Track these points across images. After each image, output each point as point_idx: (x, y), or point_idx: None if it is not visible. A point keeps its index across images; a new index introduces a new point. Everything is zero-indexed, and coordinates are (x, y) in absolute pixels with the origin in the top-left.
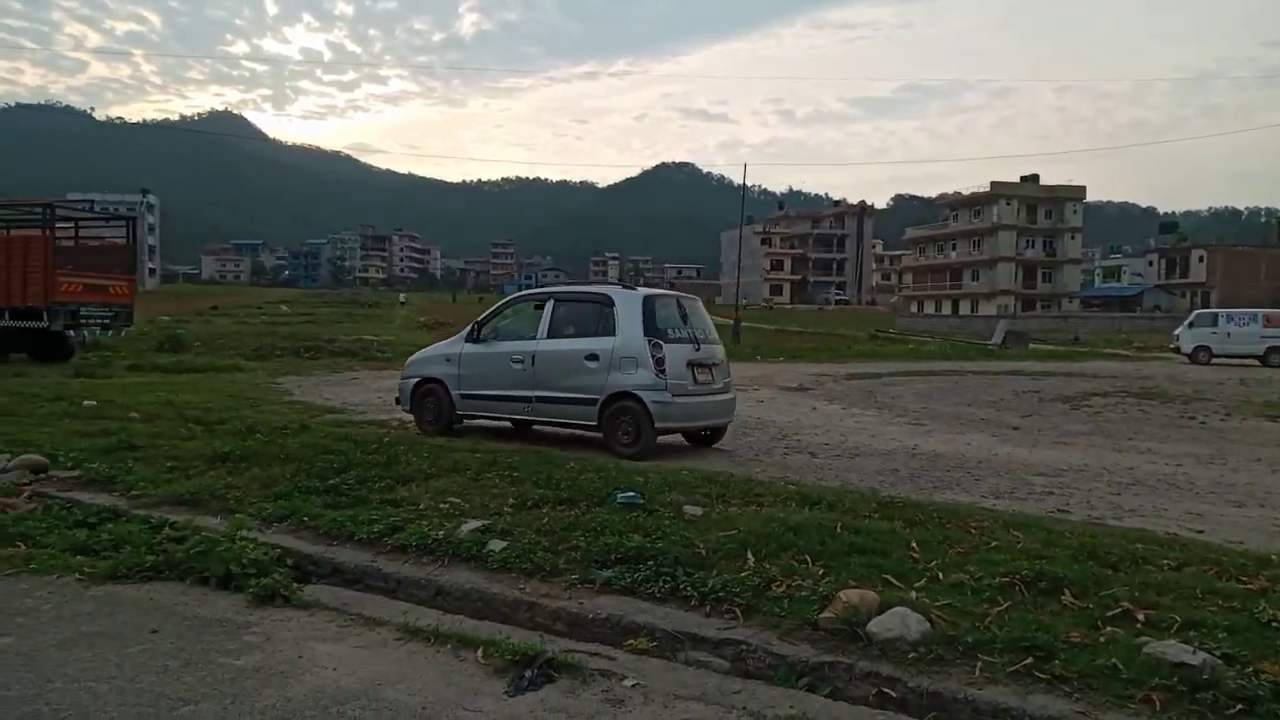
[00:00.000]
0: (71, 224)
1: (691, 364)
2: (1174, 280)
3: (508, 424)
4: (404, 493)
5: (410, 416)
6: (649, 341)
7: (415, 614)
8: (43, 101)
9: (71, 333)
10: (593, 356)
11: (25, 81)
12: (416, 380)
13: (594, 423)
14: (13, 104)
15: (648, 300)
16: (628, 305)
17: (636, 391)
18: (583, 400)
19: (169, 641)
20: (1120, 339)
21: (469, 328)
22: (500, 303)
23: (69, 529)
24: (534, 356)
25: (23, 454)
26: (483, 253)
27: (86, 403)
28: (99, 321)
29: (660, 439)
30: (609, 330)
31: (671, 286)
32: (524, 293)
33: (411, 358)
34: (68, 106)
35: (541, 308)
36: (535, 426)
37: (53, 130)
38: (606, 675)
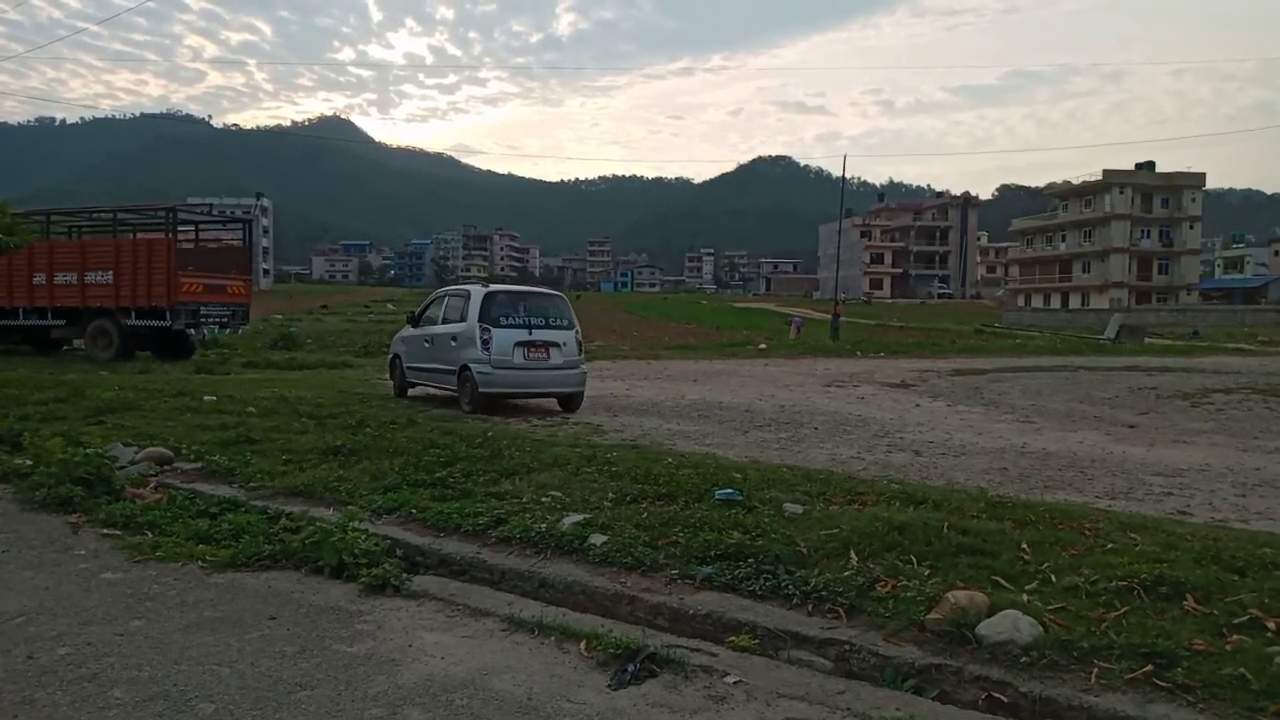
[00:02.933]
0: (192, 227)
1: (521, 344)
2: None
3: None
4: (507, 486)
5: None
6: (480, 326)
7: (519, 605)
8: (165, 110)
9: (192, 331)
10: (454, 338)
11: (149, 92)
12: (391, 355)
13: (455, 388)
14: (138, 114)
15: (488, 295)
16: (475, 298)
17: (469, 364)
18: (449, 371)
19: (286, 628)
20: (1243, 332)
21: (409, 316)
22: (428, 298)
23: (192, 518)
24: (432, 338)
25: (149, 446)
26: (580, 250)
27: (207, 398)
28: (218, 320)
29: (531, 403)
30: (464, 318)
31: (767, 282)
32: (439, 290)
33: (393, 338)
34: (188, 115)
35: (442, 301)
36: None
37: (174, 137)
38: (708, 671)
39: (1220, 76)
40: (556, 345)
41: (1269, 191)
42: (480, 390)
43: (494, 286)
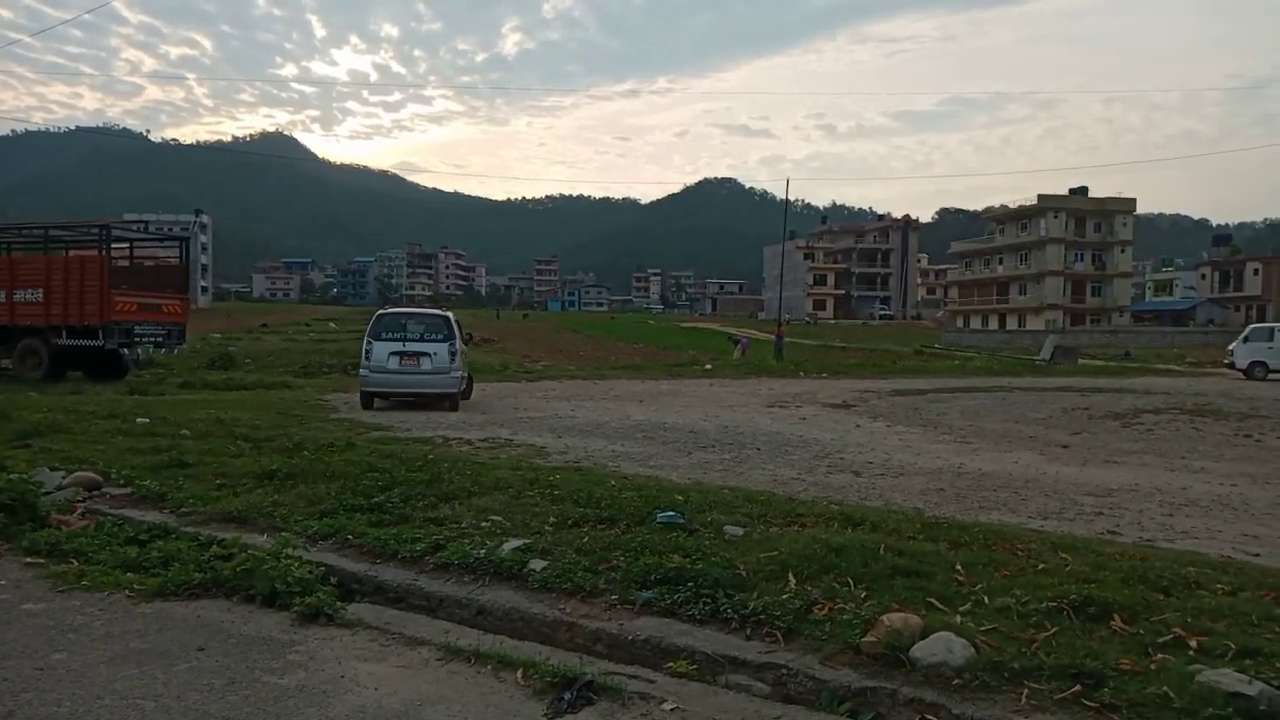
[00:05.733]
0: (127, 244)
1: (396, 354)
2: (1228, 294)
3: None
4: (446, 510)
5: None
6: (367, 339)
7: (456, 634)
8: (101, 124)
9: (126, 351)
10: (363, 351)
11: (84, 105)
12: None
13: None
14: (73, 127)
15: (378, 315)
16: (373, 319)
17: (360, 370)
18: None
19: (215, 659)
20: (1172, 354)
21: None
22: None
23: (120, 546)
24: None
25: (77, 471)
26: (527, 269)
27: (139, 420)
28: (153, 340)
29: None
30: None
31: (713, 302)
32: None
33: None
34: (124, 129)
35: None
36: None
37: (110, 152)
38: (646, 698)
39: (1148, 106)
40: (428, 355)
41: (1195, 217)
42: (362, 389)
43: (386, 309)
